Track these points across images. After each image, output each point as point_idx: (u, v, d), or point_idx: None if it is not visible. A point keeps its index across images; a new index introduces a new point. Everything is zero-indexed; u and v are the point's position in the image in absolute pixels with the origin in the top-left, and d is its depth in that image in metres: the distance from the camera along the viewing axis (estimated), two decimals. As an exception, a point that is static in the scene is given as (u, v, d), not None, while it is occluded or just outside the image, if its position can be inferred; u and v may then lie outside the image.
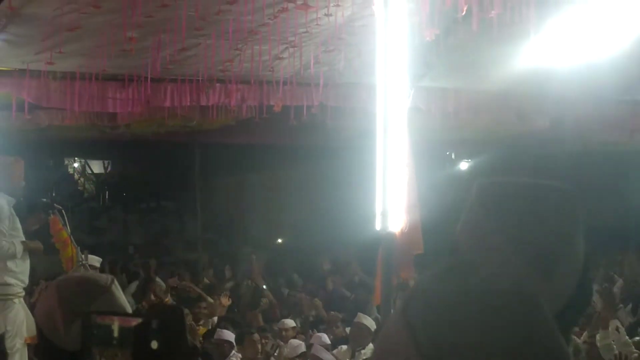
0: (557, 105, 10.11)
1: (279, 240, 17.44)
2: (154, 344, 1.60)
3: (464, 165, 18.41)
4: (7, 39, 6.99)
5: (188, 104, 8.70)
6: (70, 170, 19.29)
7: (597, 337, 7.29)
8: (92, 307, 1.96)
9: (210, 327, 8.74)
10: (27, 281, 6.89)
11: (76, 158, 18.72)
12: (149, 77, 8.19)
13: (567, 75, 8.59)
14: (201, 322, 9.04)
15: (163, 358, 1.60)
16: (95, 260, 8.33)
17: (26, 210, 7.03)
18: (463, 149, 17.28)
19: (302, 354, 7.91)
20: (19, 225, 6.77)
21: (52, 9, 6.37)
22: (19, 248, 6.70)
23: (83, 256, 7.33)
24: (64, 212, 7.16)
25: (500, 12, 6.06)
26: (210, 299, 9.95)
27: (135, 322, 1.68)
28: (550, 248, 1.50)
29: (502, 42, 7.52)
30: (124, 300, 2.27)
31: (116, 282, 2.28)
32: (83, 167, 19.30)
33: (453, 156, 18.27)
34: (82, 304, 2.08)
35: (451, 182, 16.16)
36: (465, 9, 6.01)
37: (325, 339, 8.10)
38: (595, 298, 9.64)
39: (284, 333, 8.56)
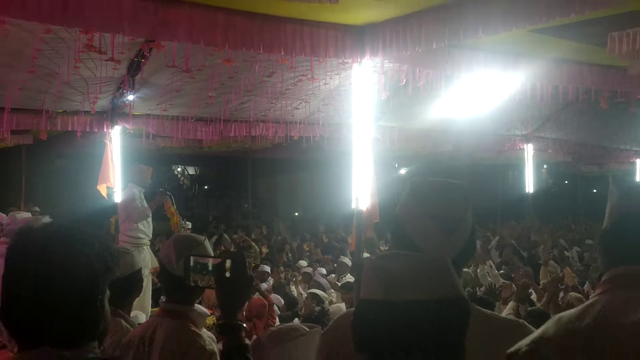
0: (457, 136, 10.17)
1: (297, 213, 17.53)
2: (228, 274, 1.59)
3: (403, 171, 18.50)
4: (139, 96, 7.01)
5: (244, 134, 8.68)
6: (175, 172, 19.38)
7: (478, 270, 7.29)
8: (193, 252, 1.94)
9: (256, 263, 8.76)
10: (151, 236, 6.95)
11: (179, 165, 18.85)
12: (222, 118, 8.16)
13: (463, 119, 8.68)
14: (250, 260, 9.07)
15: (233, 282, 1.59)
16: (188, 224, 8.40)
17: (150, 196, 7.06)
18: (402, 162, 17.41)
19: (308, 276, 7.94)
20: (146, 204, 6.82)
21: (166, 79, 6.41)
22: (148, 211, 6.76)
23: (184, 223, 7.40)
24: (172, 196, 7.20)
25: (424, 82, 6.07)
26: (256, 247, 10.02)
27: (217, 261, 1.67)
28: (454, 219, 1.47)
29: (425, 99, 7.58)
30: (210, 249, 2.29)
31: (207, 240, 2.30)
32: (183, 170, 19.38)
33: (397, 165, 18.31)
34: (187, 250, 2.09)
35: (395, 181, 16.39)
36: (404, 80, 6.03)
37: (323, 271, 8.12)
38: (478, 246, 9.60)
39: (300, 269, 8.57)
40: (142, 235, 6.79)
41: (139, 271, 2.79)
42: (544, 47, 5.31)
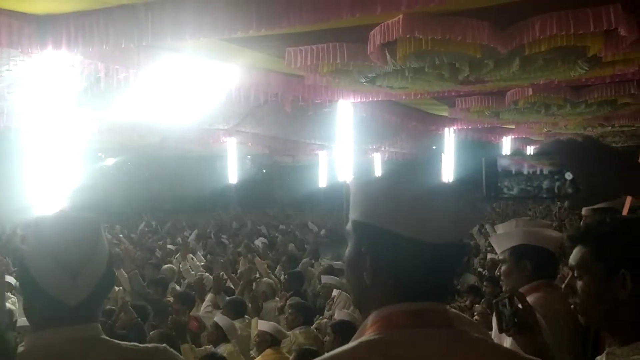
0: (164, 129, 10.03)
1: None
2: None
3: (109, 161, 17.46)
4: None
5: None
6: None
7: (180, 265, 7.26)
8: None
9: None
10: None
11: None
12: None
13: (168, 113, 8.59)
14: None
15: None
16: None
17: None
18: (108, 152, 16.42)
19: None
20: None
21: None
22: None
23: None
24: None
25: (126, 74, 5.80)
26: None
27: None
28: (81, 259, 1.33)
29: (125, 93, 7.23)
30: None
31: None
32: None
33: (102, 156, 17.17)
34: None
35: (100, 170, 15.48)
36: (103, 72, 5.65)
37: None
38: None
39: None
40: None
41: None
42: (234, 55, 5.58)
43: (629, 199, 2.15)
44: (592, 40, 4.54)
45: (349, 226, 1.02)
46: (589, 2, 4.09)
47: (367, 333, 0.95)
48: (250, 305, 5.35)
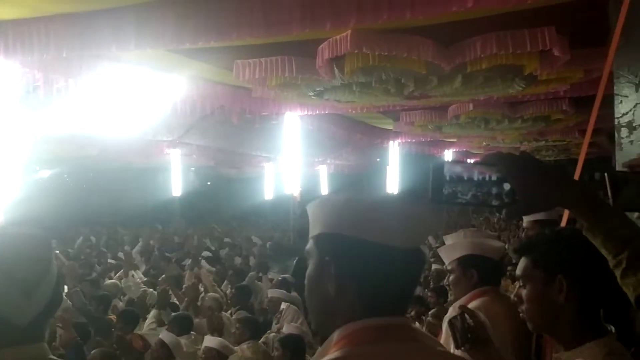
0: (104, 140, 9.72)
1: None
2: None
3: (44, 173, 16.71)
4: None
5: None
6: None
7: (122, 281, 7.07)
8: None
9: None
10: None
11: None
12: None
13: (108, 124, 8.34)
14: None
15: None
16: None
17: None
18: (44, 164, 15.75)
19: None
20: None
21: None
22: None
23: None
24: None
25: (65, 84, 5.58)
26: None
27: None
28: (34, 278, 1.28)
29: (61, 103, 6.97)
30: None
31: None
32: None
33: (37, 168, 16.44)
34: None
35: (34, 183, 14.78)
36: (41, 82, 5.42)
37: None
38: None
39: None
40: None
41: None
42: (180, 65, 5.51)
43: (566, 212, 2.27)
44: (528, 60, 4.78)
45: (309, 244, 1.02)
46: (526, 24, 4.31)
47: (332, 350, 0.95)
48: (203, 321, 5.25)
